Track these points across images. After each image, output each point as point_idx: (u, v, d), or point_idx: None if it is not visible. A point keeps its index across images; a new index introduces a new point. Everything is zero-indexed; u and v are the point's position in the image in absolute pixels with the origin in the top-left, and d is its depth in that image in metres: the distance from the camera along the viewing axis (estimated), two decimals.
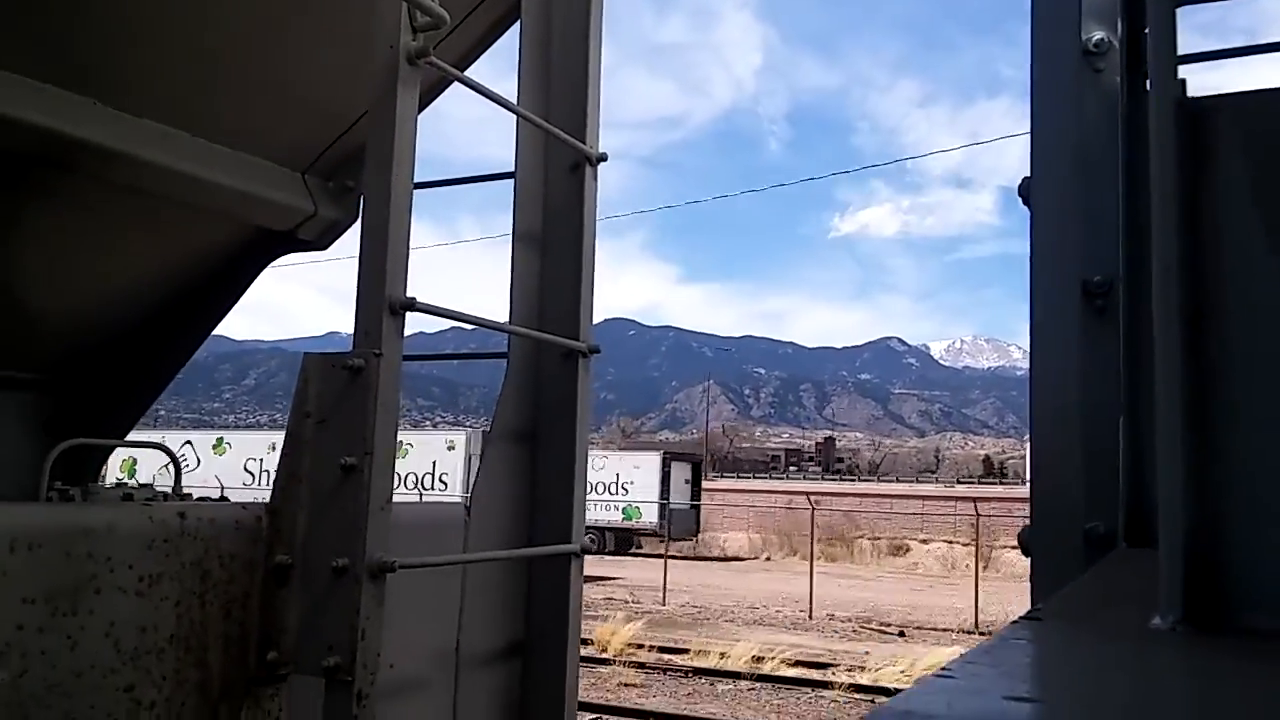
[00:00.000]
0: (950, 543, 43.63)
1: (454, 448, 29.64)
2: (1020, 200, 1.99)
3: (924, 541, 44.70)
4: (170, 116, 4.05)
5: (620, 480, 35.27)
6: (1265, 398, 0.97)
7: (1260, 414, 0.97)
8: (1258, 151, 1.00)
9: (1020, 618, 0.98)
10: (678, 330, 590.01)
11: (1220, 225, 0.97)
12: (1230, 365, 0.97)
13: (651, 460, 36.12)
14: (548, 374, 3.75)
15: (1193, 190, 0.97)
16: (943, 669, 0.71)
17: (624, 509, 34.93)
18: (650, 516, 33.46)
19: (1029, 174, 2.01)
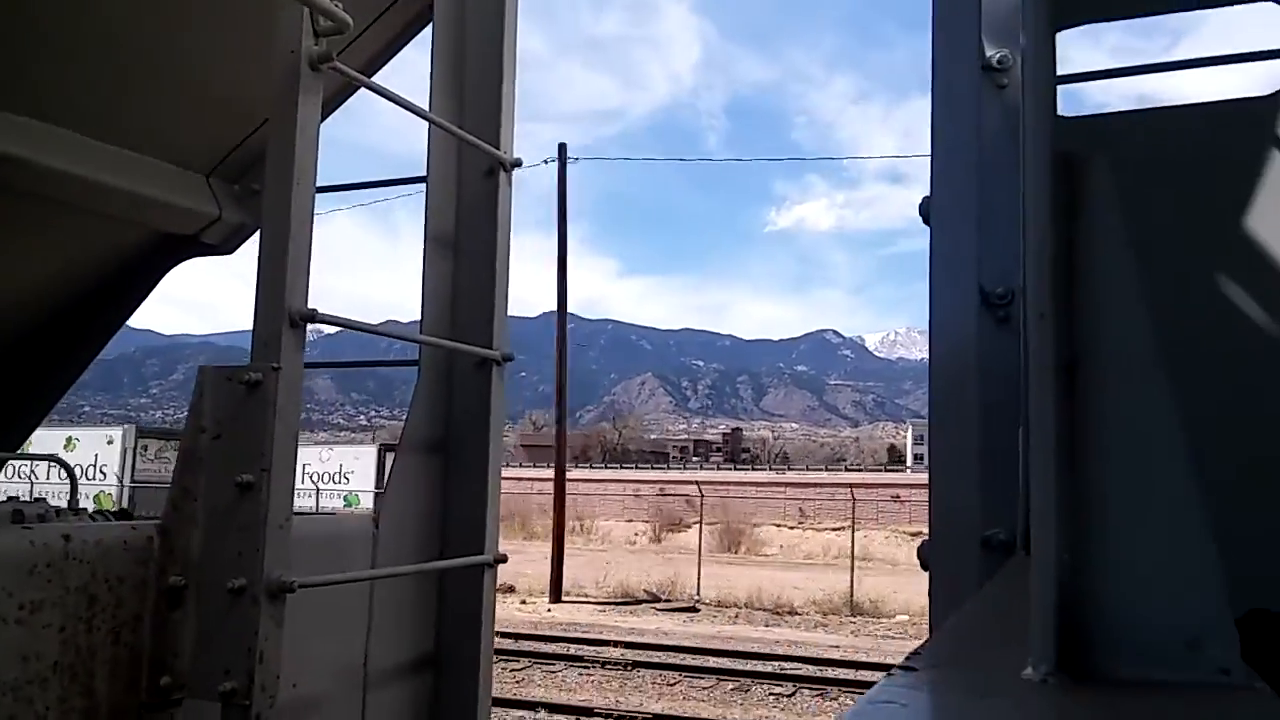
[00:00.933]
0: (778, 525, 44.99)
1: (112, 442, 33.94)
2: (921, 219, 2.01)
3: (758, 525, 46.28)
4: (67, 119, 3.88)
5: (343, 470, 39.44)
6: (1136, 448, 0.98)
7: (1131, 465, 0.98)
8: (1135, 200, 1.01)
9: (897, 668, 0.97)
10: (616, 323, 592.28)
11: (1095, 272, 0.98)
12: (1103, 415, 0.98)
13: (369, 452, 40.81)
14: (460, 383, 3.69)
15: (1068, 240, 0.97)
16: None
17: (345, 497, 38.71)
18: (368, 502, 37.00)
19: (929, 191, 2.03)
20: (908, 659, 0.99)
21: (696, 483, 39.41)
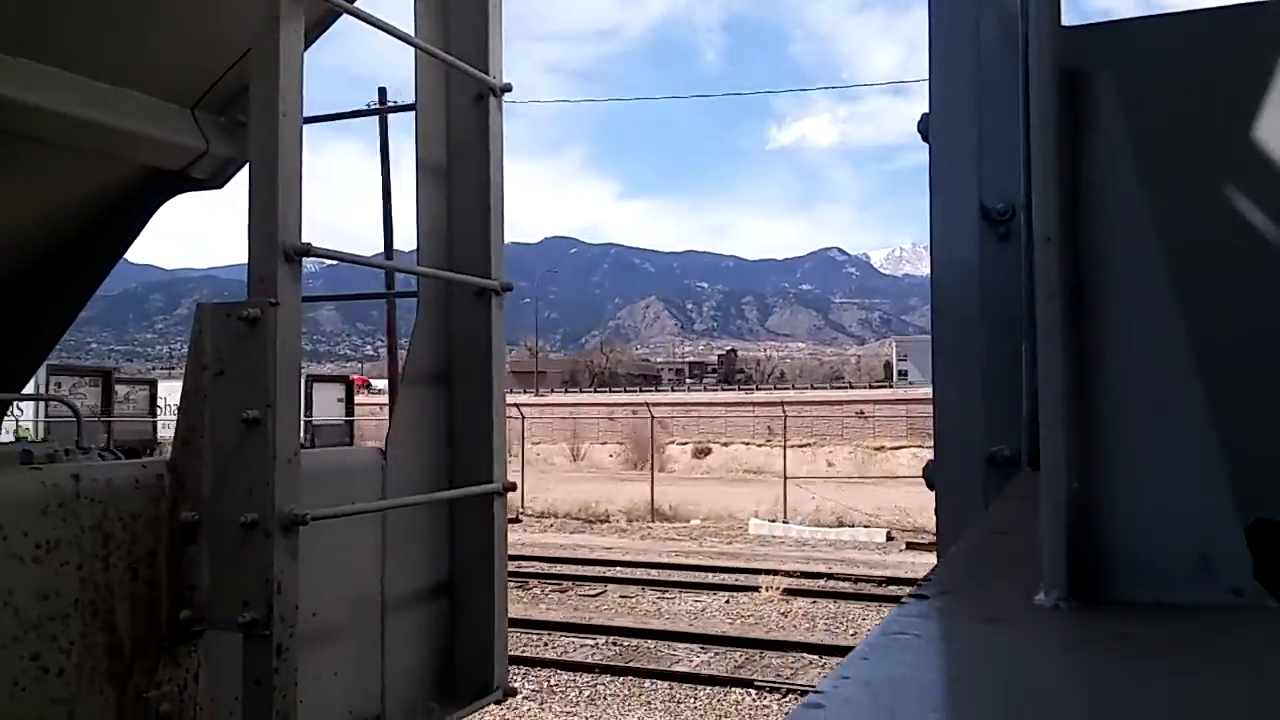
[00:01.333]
0: (747, 444, 46.11)
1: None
2: (920, 137, 1.97)
3: (725, 444, 47.13)
4: (45, 54, 3.80)
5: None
6: (1144, 372, 0.97)
7: (1140, 388, 0.98)
8: (1139, 115, 0.99)
9: (908, 597, 0.98)
10: (619, 247, 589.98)
11: (1101, 194, 0.96)
12: (1112, 339, 0.97)
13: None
14: (460, 313, 3.68)
15: (1073, 159, 0.95)
16: (815, 695, 0.69)
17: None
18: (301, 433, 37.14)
19: (927, 107, 1.99)
20: (919, 586, 1.01)
21: (647, 404, 40.01)
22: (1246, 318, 1.64)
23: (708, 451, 47.22)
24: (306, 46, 2.79)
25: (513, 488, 3.77)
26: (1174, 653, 0.85)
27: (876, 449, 43.95)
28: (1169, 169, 1.06)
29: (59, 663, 2.34)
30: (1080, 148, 0.95)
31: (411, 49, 3.45)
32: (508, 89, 3.66)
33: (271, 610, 2.53)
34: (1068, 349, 0.94)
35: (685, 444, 47.90)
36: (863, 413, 49.16)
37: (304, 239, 2.63)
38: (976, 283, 1.98)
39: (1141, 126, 1.04)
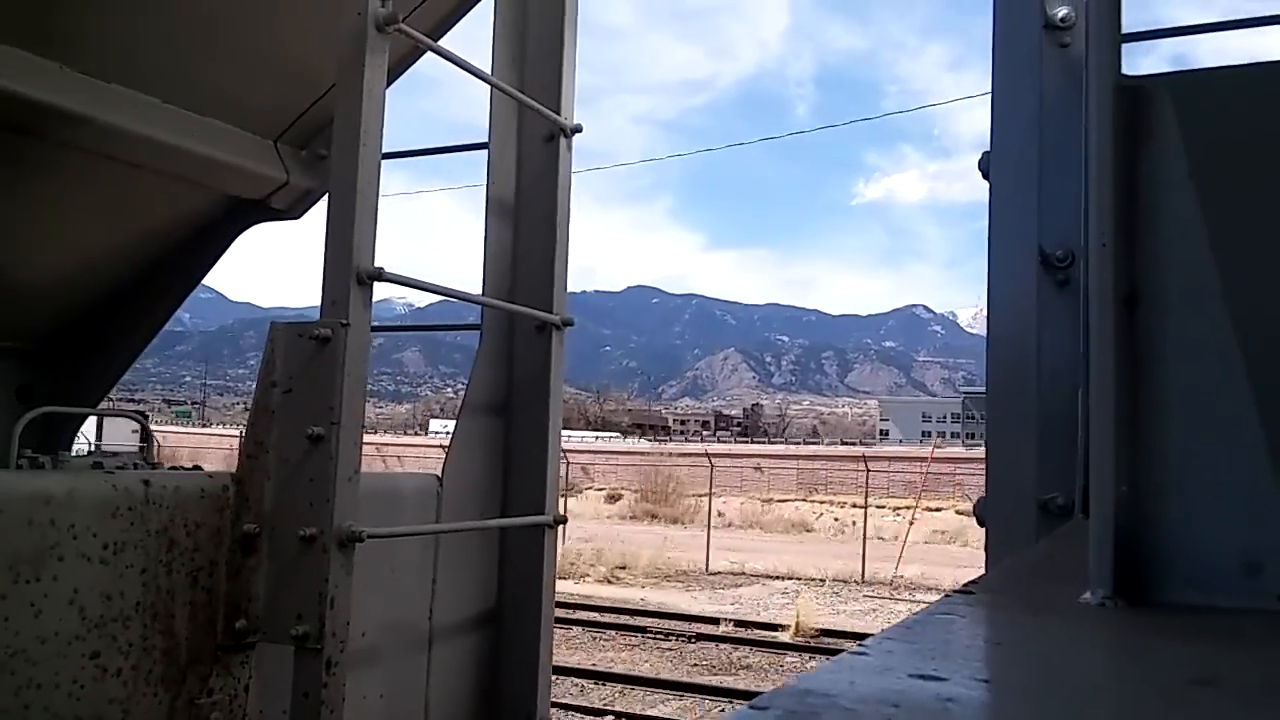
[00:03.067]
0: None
1: None
2: (981, 175, 1.99)
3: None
4: (139, 81, 4.00)
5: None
6: (1196, 379, 0.98)
7: (1191, 395, 0.98)
8: (1196, 133, 1.00)
9: (953, 591, 0.99)
10: (701, 298, 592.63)
11: (1156, 208, 0.98)
12: (1163, 347, 0.98)
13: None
14: (521, 346, 3.75)
15: (1130, 171, 0.97)
16: (860, 646, 0.72)
17: None
18: None
19: (989, 148, 2.01)
20: (965, 585, 1.02)
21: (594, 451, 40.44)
22: None
23: (618, 497, 48.10)
24: (390, 83, 2.90)
25: (564, 520, 3.80)
26: (1212, 644, 0.85)
27: (766, 500, 44.47)
28: (1228, 184, 1.07)
29: (117, 663, 2.40)
30: (1138, 157, 0.97)
31: (488, 88, 3.57)
32: (578, 130, 3.76)
33: (324, 625, 2.57)
34: (1120, 353, 0.95)
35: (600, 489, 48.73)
36: (759, 466, 50.68)
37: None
38: (1034, 328, 1.98)
39: (1204, 143, 1.05)
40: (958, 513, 34.73)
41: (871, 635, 0.82)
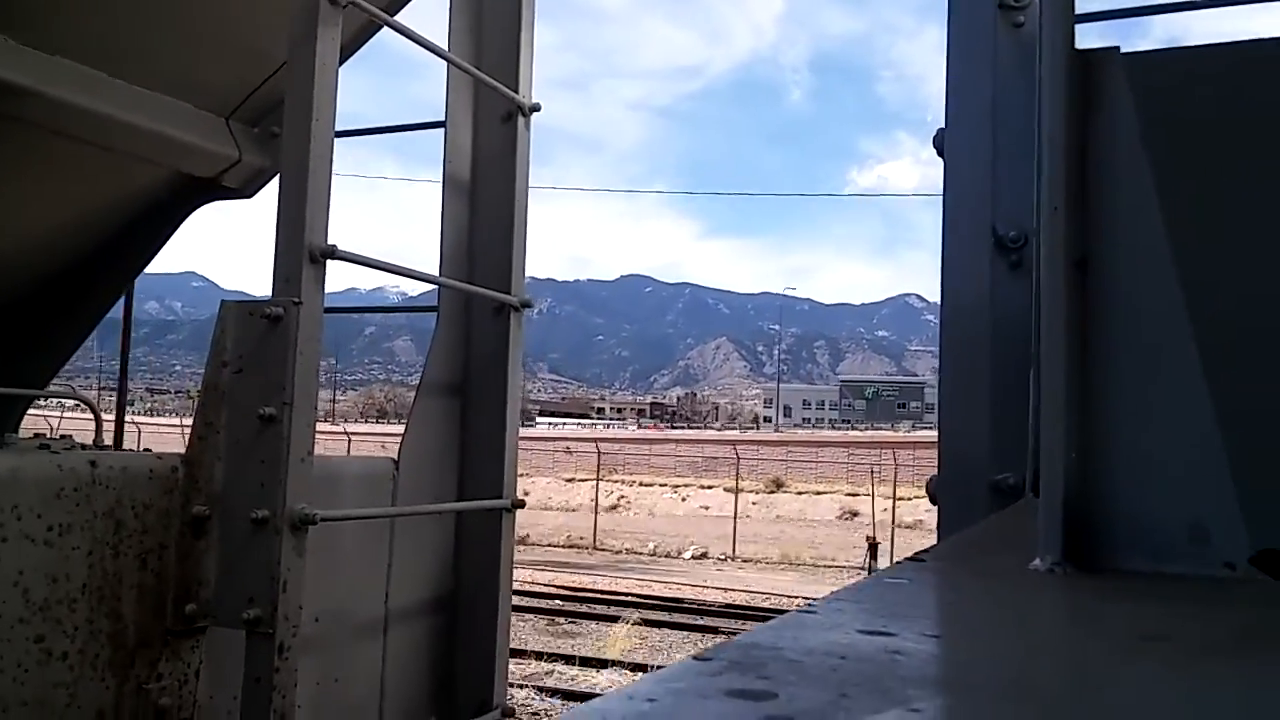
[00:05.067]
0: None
1: None
2: (936, 151, 2.00)
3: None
4: (87, 55, 3.90)
5: None
6: (1145, 344, 0.99)
7: (1140, 362, 0.99)
8: (1148, 104, 1.01)
9: (904, 559, 0.99)
10: (695, 287, 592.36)
11: (1107, 174, 0.98)
12: (1113, 311, 0.98)
13: None
14: (479, 327, 3.72)
15: (1081, 138, 0.98)
16: (808, 605, 0.72)
17: None
18: None
19: (944, 121, 2.01)
20: (916, 554, 1.02)
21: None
22: (1257, 299, 1.64)
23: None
24: (344, 60, 2.86)
25: (521, 504, 3.77)
26: (1161, 605, 0.86)
27: (569, 480, 44.19)
28: (1178, 155, 1.07)
29: (63, 647, 2.35)
30: (1090, 123, 0.97)
31: (443, 77, 3.53)
32: (536, 108, 3.72)
33: (276, 609, 2.54)
34: (1071, 317, 0.96)
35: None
36: (569, 449, 50.58)
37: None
38: (987, 309, 1.99)
39: (1154, 114, 1.05)
40: (726, 490, 36.14)
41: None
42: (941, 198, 2.02)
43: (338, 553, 3.02)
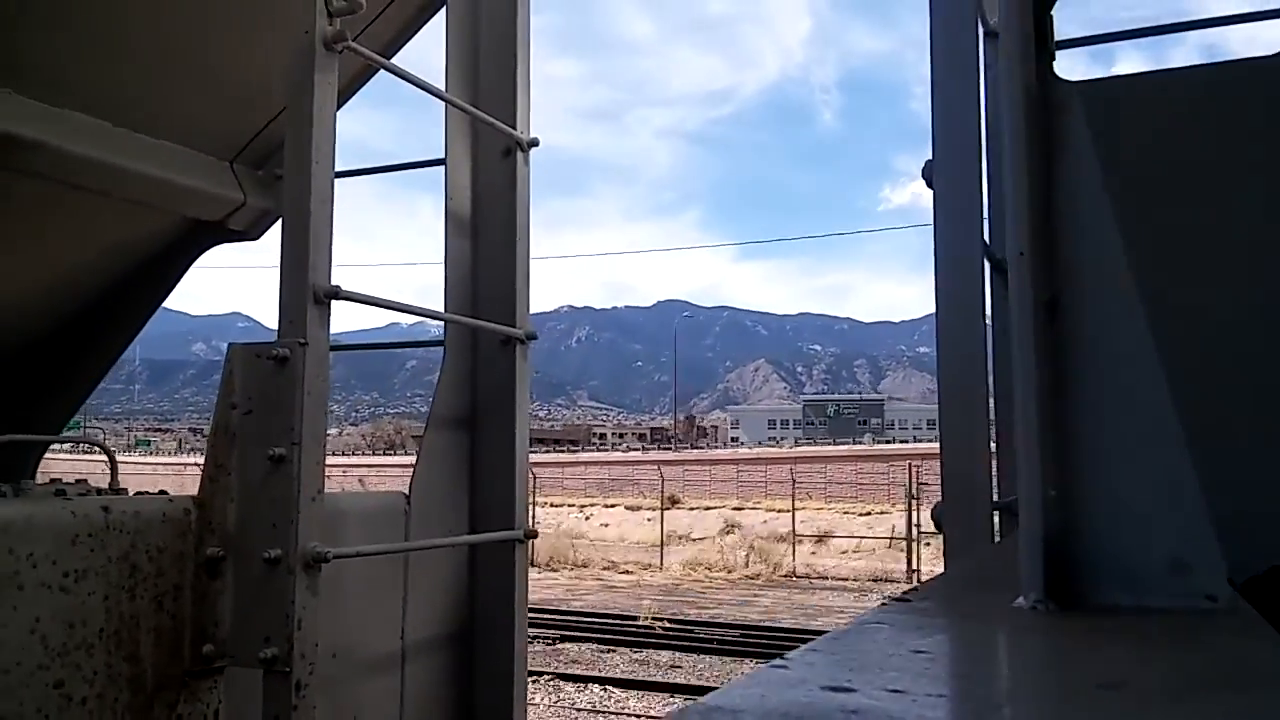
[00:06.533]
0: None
1: None
2: (925, 183, 2.02)
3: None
4: (91, 106, 3.97)
5: None
6: (1119, 382, 1.01)
7: (1115, 398, 1.01)
8: (1108, 139, 1.04)
9: (889, 598, 1.01)
10: (732, 310, 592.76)
11: (1073, 214, 1.00)
12: (1086, 351, 1.00)
13: None
14: (485, 361, 3.75)
15: (1048, 176, 1.00)
16: (783, 658, 0.74)
17: None
18: None
19: (931, 152, 2.03)
20: (904, 593, 1.03)
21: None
22: (1223, 333, 1.66)
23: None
24: (343, 103, 2.91)
25: (534, 534, 3.80)
26: (1130, 647, 0.87)
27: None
28: (1141, 189, 1.08)
29: (82, 691, 2.38)
30: (1054, 167, 1.00)
31: (440, 115, 3.58)
32: (534, 143, 3.77)
33: (292, 647, 2.56)
34: (1042, 359, 0.98)
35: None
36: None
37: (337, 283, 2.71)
38: (983, 331, 2.01)
39: (1131, 168, 1.08)
40: (627, 508, 38.20)
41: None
42: (933, 227, 2.04)
43: (352, 589, 3.04)
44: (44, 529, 2.30)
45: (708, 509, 37.15)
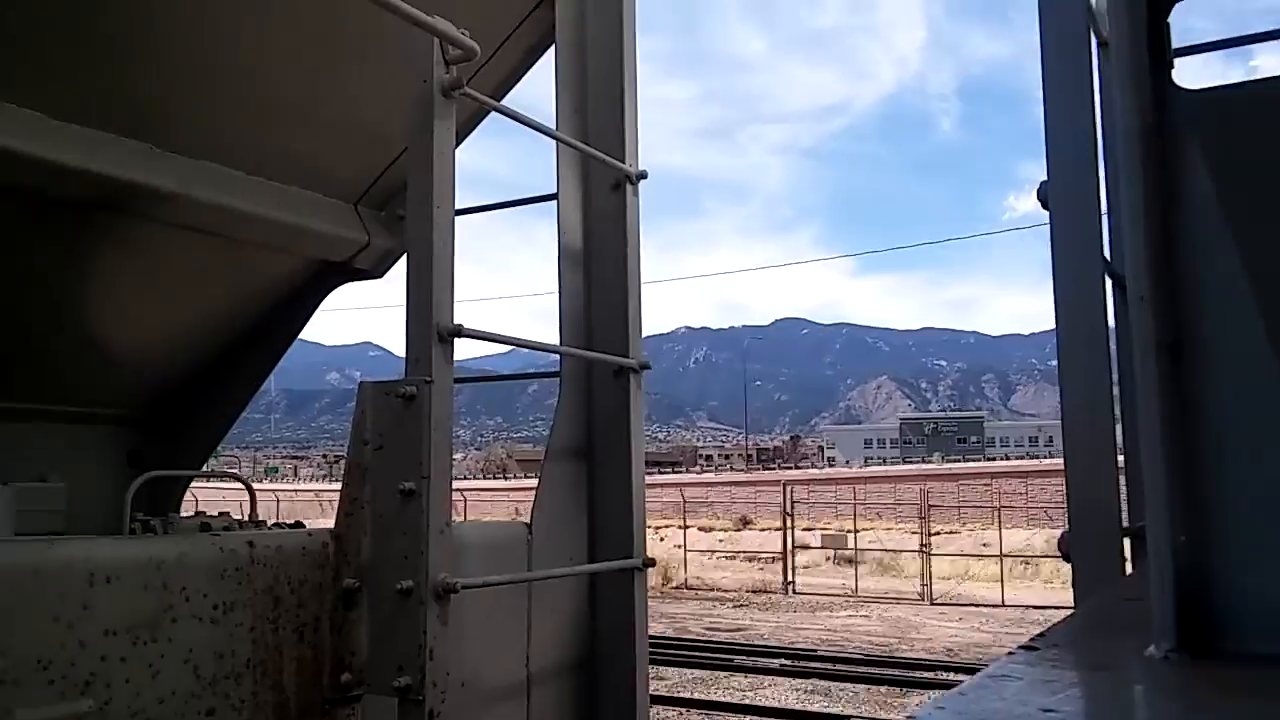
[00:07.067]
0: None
1: None
2: (1041, 204, 1.98)
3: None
4: (222, 156, 4.20)
5: None
6: (1248, 424, 0.97)
7: (1245, 441, 0.97)
8: (1238, 153, 1.00)
9: (1017, 648, 0.99)
10: (851, 326, 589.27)
11: (1196, 251, 0.98)
12: (1213, 393, 0.97)
13: None
14: (600, 391, 3.81)
15: (1166, 203, 0.97)
16: (912, 718, 0.74)
17: None
18: None
19: (1046, 176, 1.99)
20: (1031, 640, 1.02)
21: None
22: None
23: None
24: (460, 142, 3.02)
25: (652, 563, 3.82)
26: (1272, 699, 0.83)
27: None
28: (1266, 218, 1.02)
29: (232, 719, 2.51)
30: (1174, 209, 0.97)
31: (550, 146, 3.68)
32: (643, 176, 3.83)
33: (424, 675, 2.64)
34: (1168, 404, 0.95)
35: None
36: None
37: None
38: (1108, 353, 1.95)
39: (1251, 186, 1.04)
40: (700, 529, 37.89)
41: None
42: (1050, 248, 1.99)
43: (479, 618, 3.12)
44: (195, 565, 2.44)
45: (776, 529, 37.03)
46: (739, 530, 41.58)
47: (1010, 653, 0.97)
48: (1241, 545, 0.96)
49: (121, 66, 3.70)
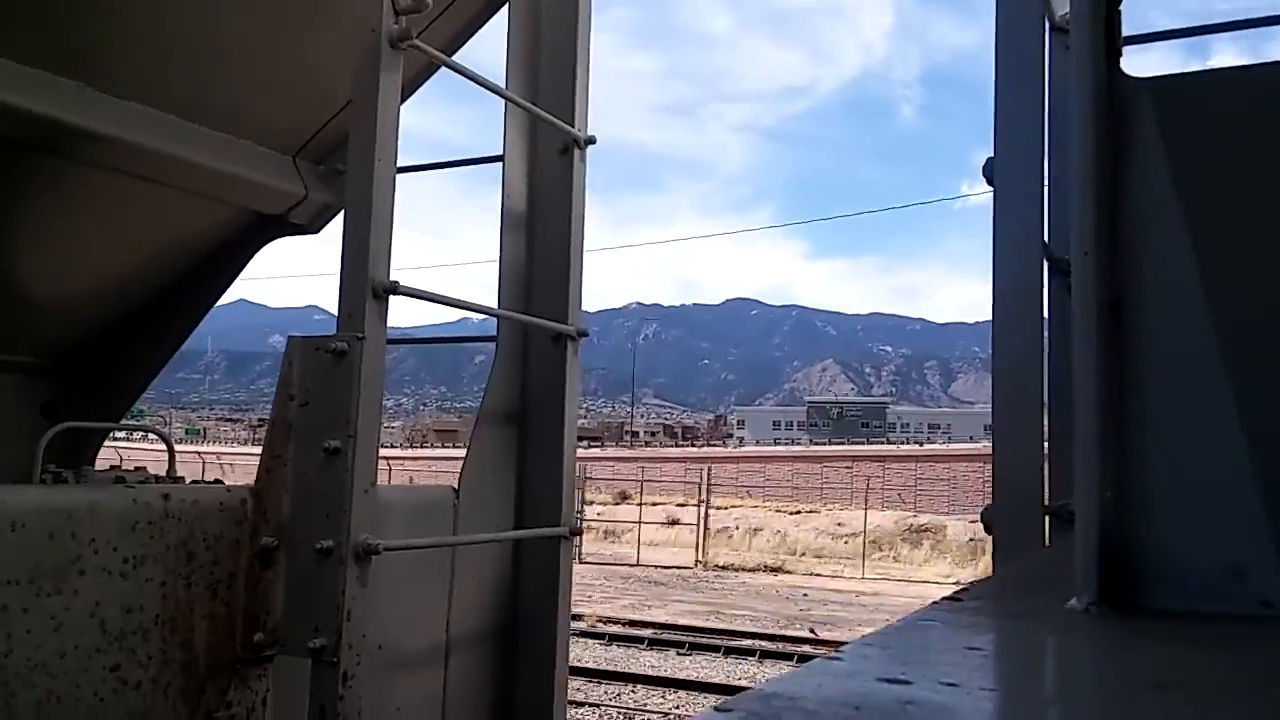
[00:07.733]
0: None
1: None
2: (986, 181, 1.98)
3: None
4: (159, 100, 4.05)
5: None
6: (1180, 386, 0.98)
7: (1175, 402, 0.99)
8: (1177, 138, 1.01)
9: (941, 599, 0.99)
10: (801, 309, 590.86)
11: (1140, 215, 0.98)
12: (1148, 354, 0.98)
13: None
14: (536, 357, 3.77)
15: (1115, 177, 0.97)
16: (836, 651, 0.74)
17: None
18: None
19: (993, 150, 1.99)
20: (955, 593, 1.02)
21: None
22: None
23: None
24: (404, 99, 2.94)
25: (580, 532, 3.80)
26: (1184, 649, 0.85)
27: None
28: (1211, 189, 1.05)
29: (137, 676, 2.43)
30: (1120, 166, 0.97)
31: (497, 111, 3.61)
32: (591, 141, 3.78)
33: (340, 637, 2.59)
34: (1103, 361, 0.96)
35: None
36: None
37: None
38: (1039, 334, 1.97)
39: (1200, 168, 1.05)
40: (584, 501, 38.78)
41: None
42: (992, 226, 2.00)
43: (400, 581, 3.07)
44: (106, 515, 2.35)
45: (654, 504, 37.89)
46: (617, 504, 42.47)
47: (934, 603, 0.97)
48: (1164, 504, 0.98)
49: (57, 2, 3.53)
